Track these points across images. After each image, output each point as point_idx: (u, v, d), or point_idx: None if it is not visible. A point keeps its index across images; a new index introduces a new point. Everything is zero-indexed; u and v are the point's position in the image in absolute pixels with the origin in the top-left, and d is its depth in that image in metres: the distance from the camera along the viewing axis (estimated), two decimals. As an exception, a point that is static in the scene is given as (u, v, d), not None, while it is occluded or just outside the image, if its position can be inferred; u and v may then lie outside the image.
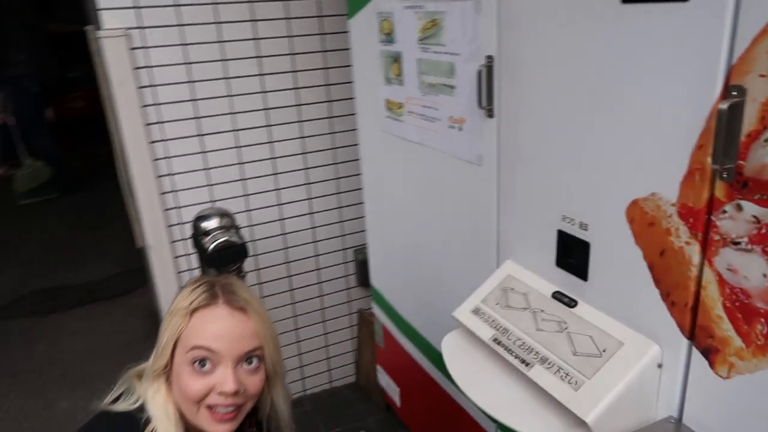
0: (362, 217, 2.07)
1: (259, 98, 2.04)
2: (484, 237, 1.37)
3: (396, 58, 1.60)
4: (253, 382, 1.00)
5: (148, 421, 0.97)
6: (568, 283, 1.13)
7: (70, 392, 2.59)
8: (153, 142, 1.92)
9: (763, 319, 0.80)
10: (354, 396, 2.46)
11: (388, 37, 1.62)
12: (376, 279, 2.06)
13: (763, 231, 0.78)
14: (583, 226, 1.07)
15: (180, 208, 2.02)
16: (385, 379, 2.15)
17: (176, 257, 2.06)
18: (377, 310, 2.08)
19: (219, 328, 0.98)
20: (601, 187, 1.02)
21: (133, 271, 3.67)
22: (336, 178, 2.26)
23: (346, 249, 2.36)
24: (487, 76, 1.24)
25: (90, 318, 3.24)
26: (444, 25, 1.37)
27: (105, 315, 3.27)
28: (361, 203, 2.06)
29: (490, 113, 1.27)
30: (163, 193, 1.98)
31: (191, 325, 0.98)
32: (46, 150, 5.06)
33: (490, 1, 1.20)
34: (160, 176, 1.96)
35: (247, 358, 1.00)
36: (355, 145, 2.03)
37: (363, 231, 2.11)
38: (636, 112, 0.92)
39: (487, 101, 1.26)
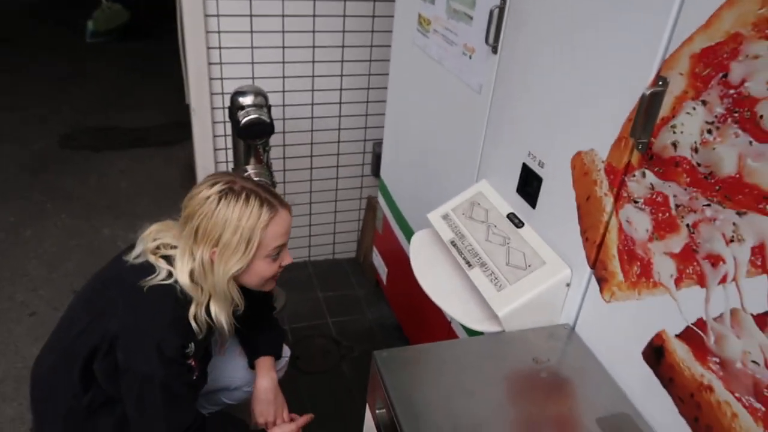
0: (384, 114, 2.27)
1: (308, -12, 2.19)
2: (471, 156, 1.58)
3: (432, -23, 1.73)
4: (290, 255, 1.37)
5: (186, 298, 1.24)
6: (521, 207, 1.36)
7: (112, 221, 2.99)
8: (208, 15, 2.11)
9: (639, 263, 1.03)
10: (351, 269, 2.81)
11: (430, -45, 1.73)
12: (384, 172, 2.31)
13: (655, 197, 0.99)
14: (541, 164, 1.28)
15: (223, 79, 2.25)
16: (378, 260, 2.46)
17: (215, 122, 2.32)
18: (381, 199, 2.35)
19: (285, 227, 1.31)
20: (558, 135, 1.22)
21: (178, 124, 3.98)
22: (367, 74, 2.43)
23: (366, 141, 2.59)
24: (498, 16, 1.39)
25: (136, 160, 3.60)
26: (474, -42, 1.49)
27: (149, 160, 3.62)
28: (385, 101, 2.26)
29: (494, 50, 1.43)
30: (211, 64, 2.20)
31: (268, 234, 1.26)
32: None
33: (512, -53, 1.32)
34: (210, 48, 2.17)
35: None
36: (388, 46, 2.19)
37: (383, 127, 2.32)
38: (594, 79, 1.10)
39: (494, 39, 1.42)
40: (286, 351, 1.66)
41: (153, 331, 1.20)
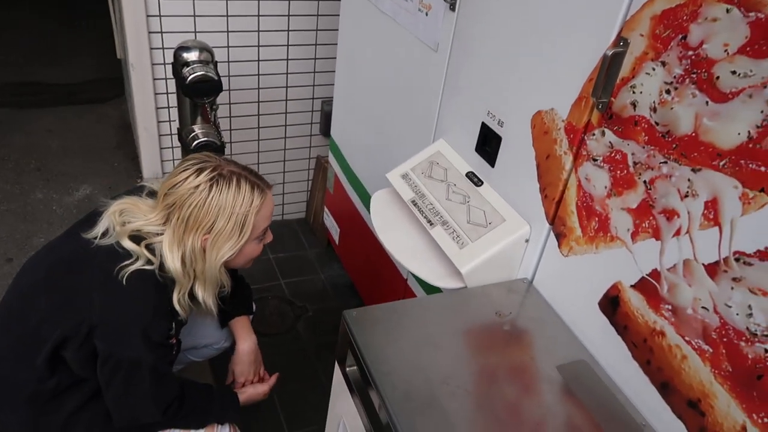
0: (334, 71, 2.23)
1: (251, -64, 2.09)
2: (428, 115, 1.58)
3: (385, -71, 1.68)
4: None
5: (168, 282, 1.21)
6: (480, 166, 1.39)
7: (44, 185, 2.83)
8: (144, -37, 1.99)
9: (596, 218, 1.08)
10: (301, 230, 2.79)
11: None
12: (335, 131, 2.28)
13: (613, 155, 1.03)
14: (501, 123, 1.30)
15: (163, 33, 2.13)
16: (329, 220, 2.46)
17: (155, 79, 2.21)
18: (332, 159, 2.33)
19: (272, 208, 1.34)
20: (519, 94, 1.24)
21: (109, 80, 3.77)
22: (315, 30, 2.37)
23: (314, 99, 2.54)
24: (456, -29, 1.38)
25: (65, 119, 3.39)
26: None
27: (79, 118, 3.42)
28: (335, 58, 2.21)
29: (452, 7, 1.42)
30: (150, 16, 2.08)
31: (260, 217, 1.27)
32: None
33: None
34: (147, -2, 2.05)
35: None
36: (338, 0, 2.13)
37: (333, 85, 2.28)
38: (555, 39, 1.12)
39: (452, -5, 1.41)
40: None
41: (137, 319, 1.16)
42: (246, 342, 1.52)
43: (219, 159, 1.28)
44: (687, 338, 0.93)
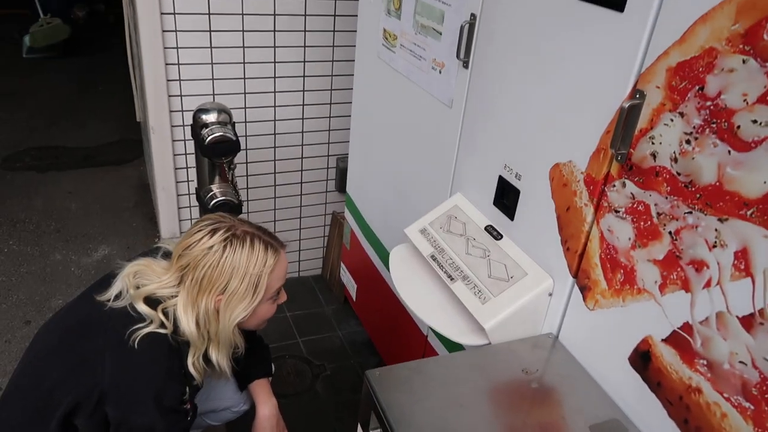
0: (349, 129, 2.27)
1: (269, 3, 2.17)
2: (444, 169, 1.59)
3: (397, -7, 1.74)
4: None
5: (181, 345, 1.21)
6: (499, 219, 1.38)
7: (63, 246, 2.86)
8: (165, 31, 2.06)
9: (622, 271, 1.06)
10: (318, 286, 2.77)
11: (394, -29, 1.75)
12: (351, 187, 2.30)
13: (636, 206, 1.02)
14: (518, 176, 1.30)
15: (183, 96, 2.19)
16: (346, 276, 2.44)
17: (174, 141, 2.26)
18: (348, 215, 2.34)
19: (285, 268, 1.31)
20: (536, 147, 1.24)
21: (129, 142, 3.86)
22: (329, 90, 2.43)
23: (329, 156, 2.57)
24: (468, 31, 1.41)
25: (85, 181, 3.46)
26: (441, -25, 1.51)
27: (99, 180, 3.49)
28: (349, 116, 2.25)
29: (465, 64, 1.45)
30: (170, 80, 2.15)
31: (273, 278, 1.26)
32: (61, 5, 5.03)
33: (481, -35, 1.35)
34: (168, 64, 2.12)
35: None
36: (352, 60, 2.19)
37: (347, 142, 2.31)
38: (570, 93, 1.13)
39: (465, 53, 1.44)
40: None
41: (149, 384, 1.14)
42: (266, 406, 1.48)
43: (233, 219, 1.29)
44: (726, 395, 0.89)
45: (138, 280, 1.22)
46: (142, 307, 1.18)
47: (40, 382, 1.19)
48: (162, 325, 1.18)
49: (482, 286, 1.28)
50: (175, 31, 2.08)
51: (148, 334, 1.15)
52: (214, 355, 1.24)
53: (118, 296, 1.21)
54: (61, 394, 1.16)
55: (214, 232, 1.22)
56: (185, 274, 1.21)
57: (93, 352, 1.17)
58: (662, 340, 0.99)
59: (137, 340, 1.14)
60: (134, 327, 1.15)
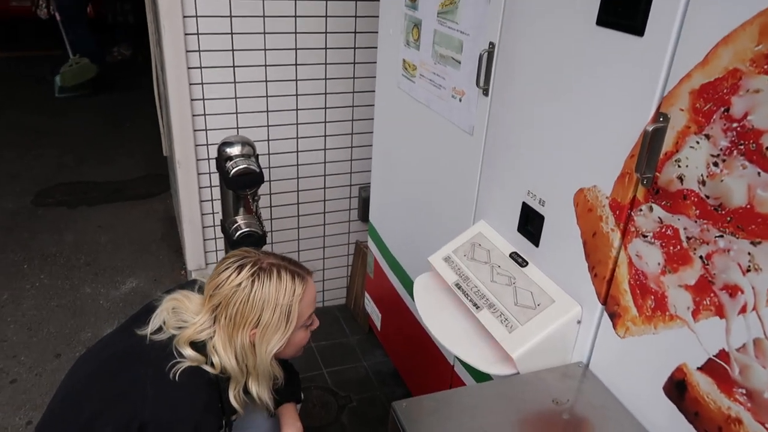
0: (370, 158, 2.29)
1: (291, 38, 2.22)
2: (466, 197, 1.59)
3: (417, 24, 1.77)
4: None
5: (221, 379, 1.23)
6: (523, 246, 1.36)
7: (93, 279, 2.90)
8: (191, 68, 2.11)
9: (652, 296, 1.03)
10: (342, 316, 2.76)
11: (413, 4, 1.77)
12: (374, 216, 2.30)
13: (664, 230, 1.00)
14: (542, 202, 1.29)
15: (208, 130, 2.24)
16: (370, 305, 2.43)
17: (200, 174, 2.30)
18: (371, 244, 2.34)
19: (314, 293, 1.34)
20: (559, 173, 1.23)
21: (156, 176, 3.94)
22: (351, 120, 2.45)
23: (351, 185, 2.59)
24: (487, 59, 1.42)
25: (114, 215, 3.53)
26: (460, 5, 1.53)
27: (127, 214, 3.55)
28: (371, 145, 2.27)
29: (485, 92, 1.46)
30: (195, 116, 2.19)
31: (303, 305, 1.28)
32: (89, 46, 5.23)
33: (499, -6, 1.36)
34: (193, 100, 2.17)
35: None
36: (372, 91, 2.21)
37: (369, 171, 2.33)
38: (592, 117, 1.12)
39: (484, 81, 1.45)
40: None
41: (189, 417, 1.16)
42: (292, 429, 1.47)
43: (258, 253, 1.31)
44: None
45: (177, 316, 1.26)
46: (188, 352, 1.21)
47: (79, 413, 1.21)
48: (211, 365, 1.21)
49: (509, 314, 1.26)
50: (200, 67, 2.13)
51: (189, 367, 1.18)
52: (254, 389, 1.26)
53: (158, 330, 1.24)
54: (101, 425, 1.17)
55: (241, 268, 1.24)
56: (218, 314, 1.24)
57: (133, 384, 1.19)
58: (698, 368, 0.96)
59: (178, 373, 1.17)
60: (175, 360, 1.18)
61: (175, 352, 1.20)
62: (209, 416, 1.19)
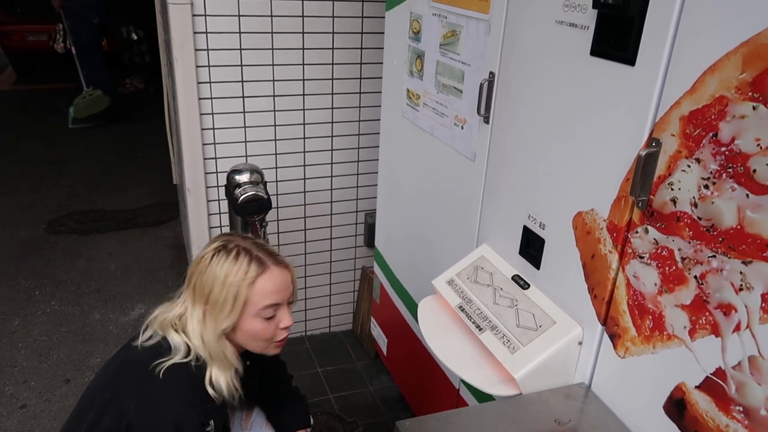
0: (376, 184, 2.33)
1: (298, 69, 2.29)
2: (469, 221, 1.62)
3: (420, 56, 1.83)
4: (291, 317, 1.33)
5: (202, 368, 1.24)
6: (525, 269, 1.39)
7: (102, 305, 2.94)
8: (202, 98, 2.18)
9: (650, 317, 1.05)
10: (348, 341, 2.77)
11: (416, 36, 1.84)
12: (379, 242, 2.34)
13: (660, 251, 1.03)
14: (542, 226, 1.32)
15: (217, 159, 2.29)
16: (376, 330, 2.45)
17: (209, 201, 2.35)
18: (377, 269, 2.37)
19: (277, 284, 1.27)
20: (558, 197, 1.27)
21: (166, 204, 4.00)
22: (356, 148, 2.51)
23: (358, 212, 2.63)
24: (488, 88, 1.47)
25: (125, 242, 3.58)
26: (461, 37, 1.59)
27: (137, 241, 3.61)
28: (376, 172, 2.32)
29: (486, 120, 1.51)
30: (205, 144, 2.25)
31: (255, 291, 1.23)
32: (103, 79, 5.38)
33: (498, 26, 1.42)
34: (204, 129, 2.23)
35: (289, 301, 1.31)
36: (377, 119, 2.27)
37: (375, 197, 2.37)
38: (588, 143, 1.16)
39: (485, 109, 1.49)
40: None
41: (169, 411, 1.18)
42: None
43: (240, 237, 1.32)
44: (764, 442, 0.87)
45: (163, 314, 1.29)
46: (173, 336, 1.24)
47: (80, 423, 1.26)
48: (188, 353, 1.22)
49: (511, 336, 1.28)
50: (211, 98, 2.20)
51: (172, 365, 1.20)
52: (213, 372, 1.24)
53: (150, 337, 1.27)
54: (99, 429, 1.22)
55: (212, 243, 1.29)
56: (190, 288, 1.28)
57: (122, 387, 1.23)
58: (696, 386, 0.97)
59: (162, 371, 1.19)
60: (160, 359, 1.20)
61: (163, 344, 1.23)
62: (189, 411, 1.20)
